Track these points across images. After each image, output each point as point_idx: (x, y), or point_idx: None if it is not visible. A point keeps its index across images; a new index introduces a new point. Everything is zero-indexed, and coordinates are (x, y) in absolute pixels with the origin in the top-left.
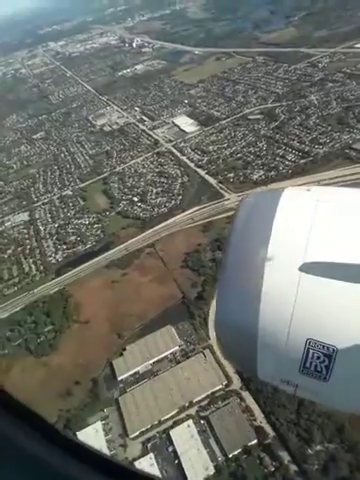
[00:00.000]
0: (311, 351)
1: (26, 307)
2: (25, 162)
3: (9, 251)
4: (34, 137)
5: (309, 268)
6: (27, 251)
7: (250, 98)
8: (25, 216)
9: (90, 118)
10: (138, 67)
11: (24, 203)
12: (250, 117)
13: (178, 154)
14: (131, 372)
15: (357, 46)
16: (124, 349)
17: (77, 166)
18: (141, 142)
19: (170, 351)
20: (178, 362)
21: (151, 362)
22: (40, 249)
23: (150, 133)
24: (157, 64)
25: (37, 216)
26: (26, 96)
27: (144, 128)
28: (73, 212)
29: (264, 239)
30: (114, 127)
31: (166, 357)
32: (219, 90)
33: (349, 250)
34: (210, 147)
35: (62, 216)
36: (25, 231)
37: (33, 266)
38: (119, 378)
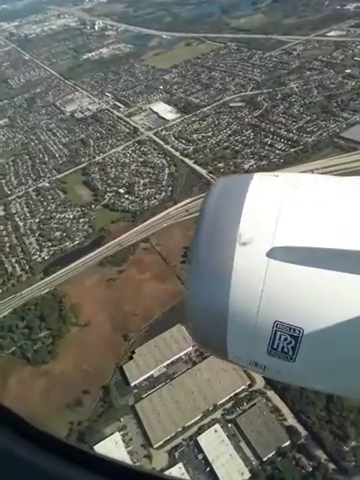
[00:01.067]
0: (279, 333)
1: (16, 311)
2: None
3: None
4: None
5: (277, 252)
6: (7, 249)
7: (228, 85)
8: (0, 211)
9: (58, 104)
10: (103, 51)
11: None
12: (232, 104)
13: (161, 143)
14: (145, 376)
15: (329, 34)
16: (133, 352)
17: (51, 155)
18: (119, 130)
19: (184, 352)
20: (194, 363)
21: (165, 365)
22: (22, 247)
23: (127, 120)
24: (123, 48)
25: (13, 210)
26: None
27: (120, 115)
28: (54, 206)
29: (234, 222)
30: (86, 114)
31: (180, 358)
32: (195, 76)
33: (316, 235)
34: (194, 135)
35: (42, 210)
36: (1, 227)
37: (17, 266)
38: (132, 384)
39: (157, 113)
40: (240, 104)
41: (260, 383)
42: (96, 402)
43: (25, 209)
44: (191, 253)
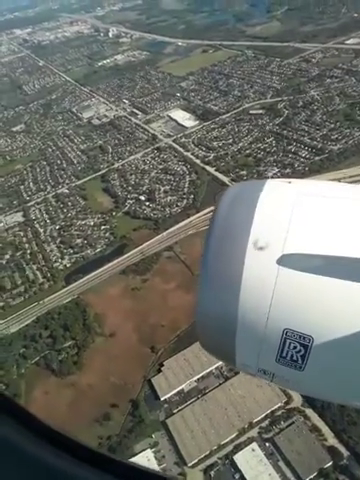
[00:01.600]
0: (288, 341)
1: (39, 320)
2: (8, 157)
3: (7, 256)
4: (14, 130)
5: (288, 259)
6: (28, 256)
7: (247, 92)
8: (19, 217)
9: (74, 110)
10: (118, 57)
11: (15, 202)
12: (251, 112)
13: (181, 150)
14: (175, 391)
15: (348, 42)
16: (161, 365)
17: (69, 162)
18: (137, 136)
19: (214, 366)
20: (226, 378)
21: (195, 379)
22: (43, 254)
23: (145, 127)
24: (139, 55)
25: (33, 217)
26: None
27: (137, 122)
28: (74, 212)
29: (245, 229)
30: (104, 120)
31: (211, 373)
32: (212, 83)
33: (327, 243)
34: (214, 143)
35: (62, 217)
36: (21, 234)
37: (38, 273)
38: (162, 398)
39: (175, 120)
40: (260, 111)
41: (297, 400)
42: (125, 416)
43: (45, 215)
44: (202, 259)
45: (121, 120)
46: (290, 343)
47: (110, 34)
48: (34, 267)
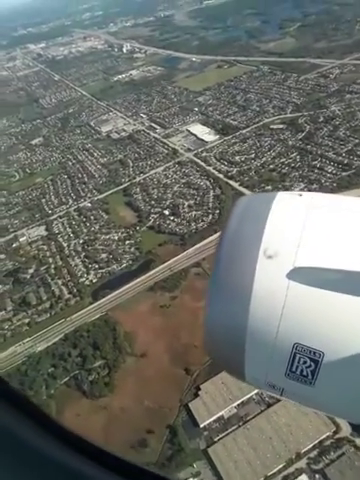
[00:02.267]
0: (298, 356)
1: (67, 337)
2: (28, 170)
3: (31, 271)
4: (32, 143)
5: (299, 272)
6: (52, 271)
7: (266, 107)
8: (42, 230)
9: (92, 124)
10: (134, 73)
11: (37, 216)
12: (272, 127)
13: (203, 164)
14: (214, 417)
15: None
16: (198, 388)
17: (90, 175)
18: (157, 151)
19: (255, 391)
20: (268, 405)
21: (235, 405)
22: (68, 269)
23: (165, 141)
24: (154, 70)
25: (56, 230)
26: (13, 99)
27: (156, 136)
28: (98, 226)
29: (256, 240)
30: (122, 134)
31: (252, 398)
32: (230, 98)
33: (339, 256)
34: (236, 157)
35: (85, 231)
36: (45, 248)
37: (64, 288)
38: (201, 425)
39: (195, 135)
40: (281, 126)
41: (346, 430)
42: (163, 443)
43: (68, 229)
44: (212, 270)
45: (140, 134)
46: (300, 358)
47: (124, 50)
48: (59, 282)
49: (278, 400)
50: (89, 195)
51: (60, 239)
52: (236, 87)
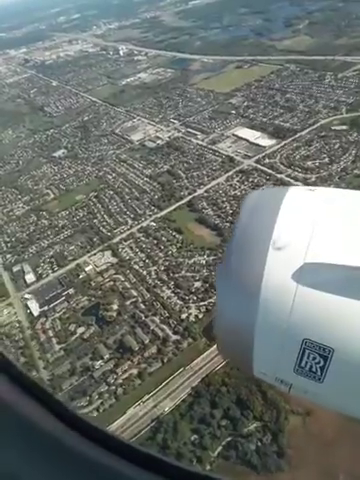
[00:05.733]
0: (307, 351)
1: (198, 393)
2: (62, 186)
3: (114, 307)
4: (55, 155)
5: (310, 267)
6: (141, 305)
7: (315, 107)
8: (108, 257)
9: (118, 132)
10: (143, 76)
11: (95, 239)
12: (334, 128)
13: (271, 172)
14: None
15: None
16: None
17: (140, 190)
18: (208, 159)
19: None
20: None
21: None
22: (160, 302)
23: (213, 148)
24: (163, 72)
25: (125, 256)
26: (11, 108)
27: (200, 143)
28: (174, 249)
29: (267, 235)
30: (159, 143)
31: None
32: (267, 99)
33: (350, 252)
34: (308, 162)
35: (162, 255)
36: (121, 277)
37: (166, 327)
38: None
39: (247, 139)
40: (344, 127)
41: None
42: None
43: (140, 254)
44: (222, 264)
45: (179, 141)
46: (309, 354)
47: (121, 52)
48: (156, 320)
49: None
50: (148, 212)
51: (135, 266)
52: (270, 87)
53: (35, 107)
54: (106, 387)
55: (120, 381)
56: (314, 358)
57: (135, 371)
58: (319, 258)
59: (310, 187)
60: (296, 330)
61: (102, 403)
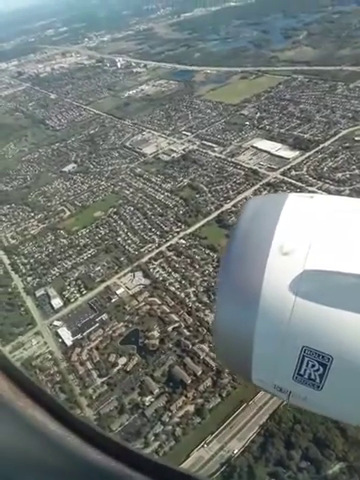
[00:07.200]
0: (306, 359)
1: (269, 432)
2: (77, 203)
3: (155, 334)
4: (65, 170)
5: (309, 274)
6: (186, 332)
7: (333, 118)
8: (140, 278)
9: (129, 145)
10: (145, 88)
11: (122, 259)
12: (357, 138)
13: (301, 184)
14: None
15: None
16: None
17: (163, 205)
18: (230, 172)
19: None
20: None
21: None
22: (205, 326)
23: (234, 161)
24: (166, 84)
25: (158, 276)
26: (10, 122)
27: (218, 155)
28: (211, 268)
29: (267, 241)
30: (174, 156)
31: None
32: (281, 110)
33: (350, 259)
34: (338, 174)
35: (198, 275)
36: (157, 301)
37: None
38: None
39: (267, 151)
40: None
41: None
42: None
43: (174, 274)
44: (221, 270)
45: (196, 154)
46: (308, 361)
47: (118, 64)
48: (205, 348)
49: None
50: (175, 229)
51: (171, 288)
52: (281, 98)
53: (36, 120)
54: (161, 427)
55: (176, 420)
56: (313, 366)
57: (192, 408)
58: (319, 265)
59: (310, 194)
60: (295, 337)
61: (160, 446)
